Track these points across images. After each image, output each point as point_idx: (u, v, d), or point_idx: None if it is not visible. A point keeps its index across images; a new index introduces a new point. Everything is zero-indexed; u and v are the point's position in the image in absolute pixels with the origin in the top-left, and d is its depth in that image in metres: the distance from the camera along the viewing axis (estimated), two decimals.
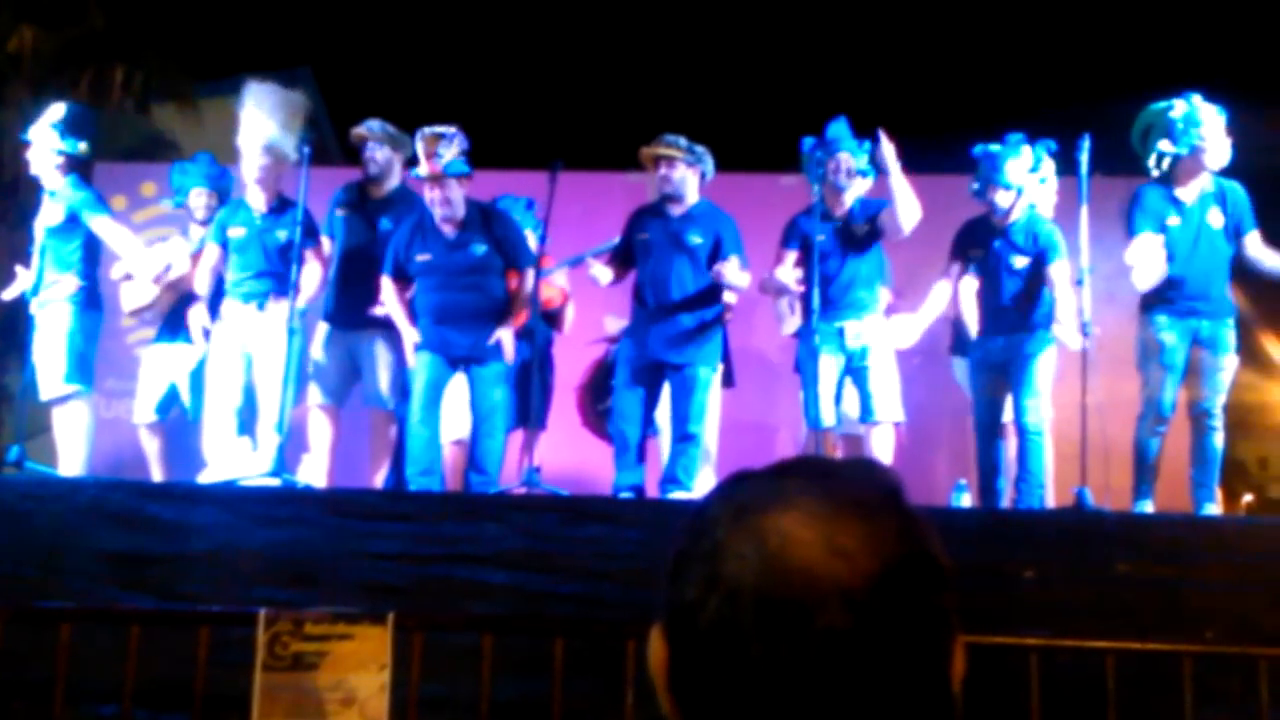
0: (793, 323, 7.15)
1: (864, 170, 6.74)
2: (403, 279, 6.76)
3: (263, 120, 6.82)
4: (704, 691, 1.03)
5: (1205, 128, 6.39)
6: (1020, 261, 6.65)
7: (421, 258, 6.66)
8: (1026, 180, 6.68)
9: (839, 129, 6.78)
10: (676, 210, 6.77)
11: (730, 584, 1.01)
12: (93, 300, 6.95)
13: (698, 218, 6.79)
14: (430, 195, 6.67)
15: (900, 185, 6.51)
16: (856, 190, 6.78)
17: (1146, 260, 6.34)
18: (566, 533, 5.12)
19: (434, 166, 6.60)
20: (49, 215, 6.88)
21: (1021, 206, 6.70)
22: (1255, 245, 6.46)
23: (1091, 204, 6.43)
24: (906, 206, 6.54)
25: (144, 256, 7.22)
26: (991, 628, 3.91)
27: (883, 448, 6.60)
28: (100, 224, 6.88)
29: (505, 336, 6.60)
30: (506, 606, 4.83)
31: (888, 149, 6.47)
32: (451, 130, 6.68)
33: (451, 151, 6.62)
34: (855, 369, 6.68)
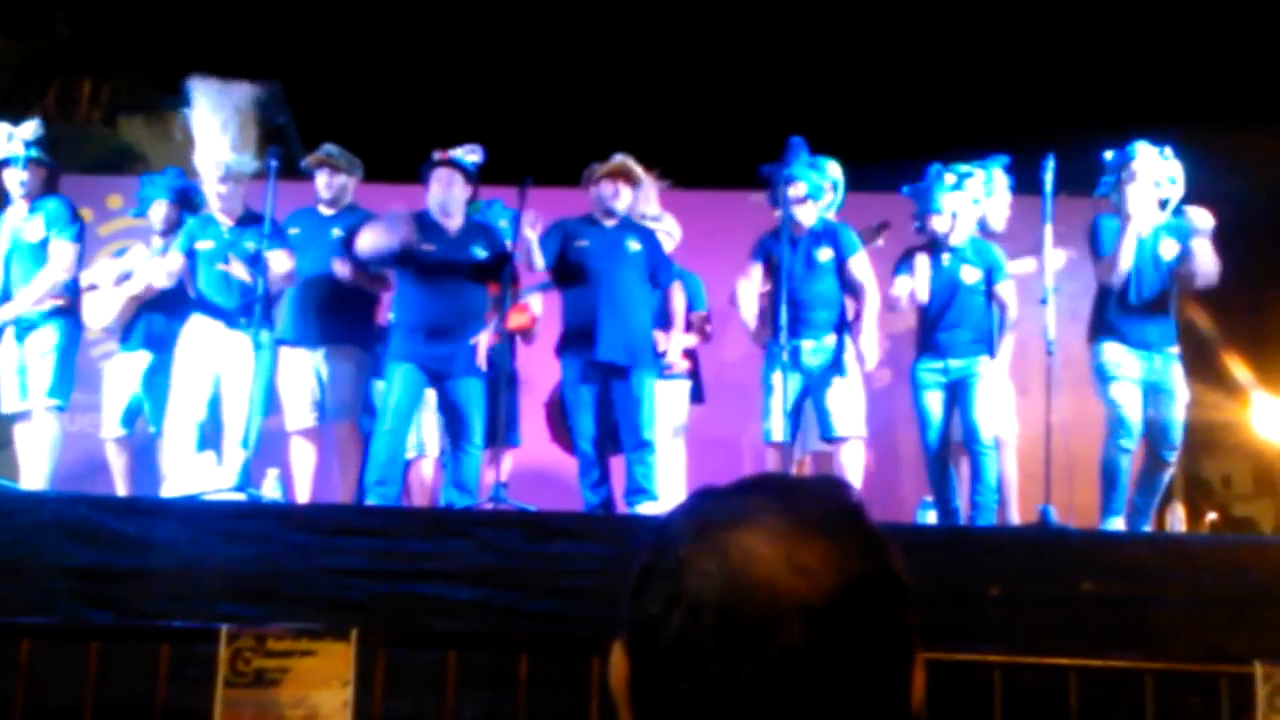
0: (764, 333, 7.18)
1: (812, 194, 6.81)
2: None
3: (214, 139, 6.79)
4: (665, 707, 1.03)
5: (1136, 162, 6.47)
6: (972, 277, 6.75)
7: (427, 247, 6.64)
8: (960, 205, 6.79)
9: (793, 152, 6.84)
10: (610, 222, 6.89)
11: (692, 600, 1.01)
12: (77, 315, 6.93)
13: (632, 227, 6.96)
14: (434, 188, 6.71)
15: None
16: (811, 212, 6.83)
17: (1110, 279, 6.43)
18: (532, 548, 5.10)
19: (445, 154, 6.69)
20: (29, 231, 6.80)
21: (962, 230, 6.81)
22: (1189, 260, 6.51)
23: (1056, 223, 6.48)
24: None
25: (105, 268, 7.18)
26: (956, 645, 3.92)
27: (852, 464, 6.62)
28: (60, 250, 6.78)
29: (483, 341, 6.58)
30: (472, 623, 4.80)
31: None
32: (474, 146, 6.80)
33: (471, 156, 6.76)
34: (813, 387, 6.71)
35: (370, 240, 6.59)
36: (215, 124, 6.81)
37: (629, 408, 6.59)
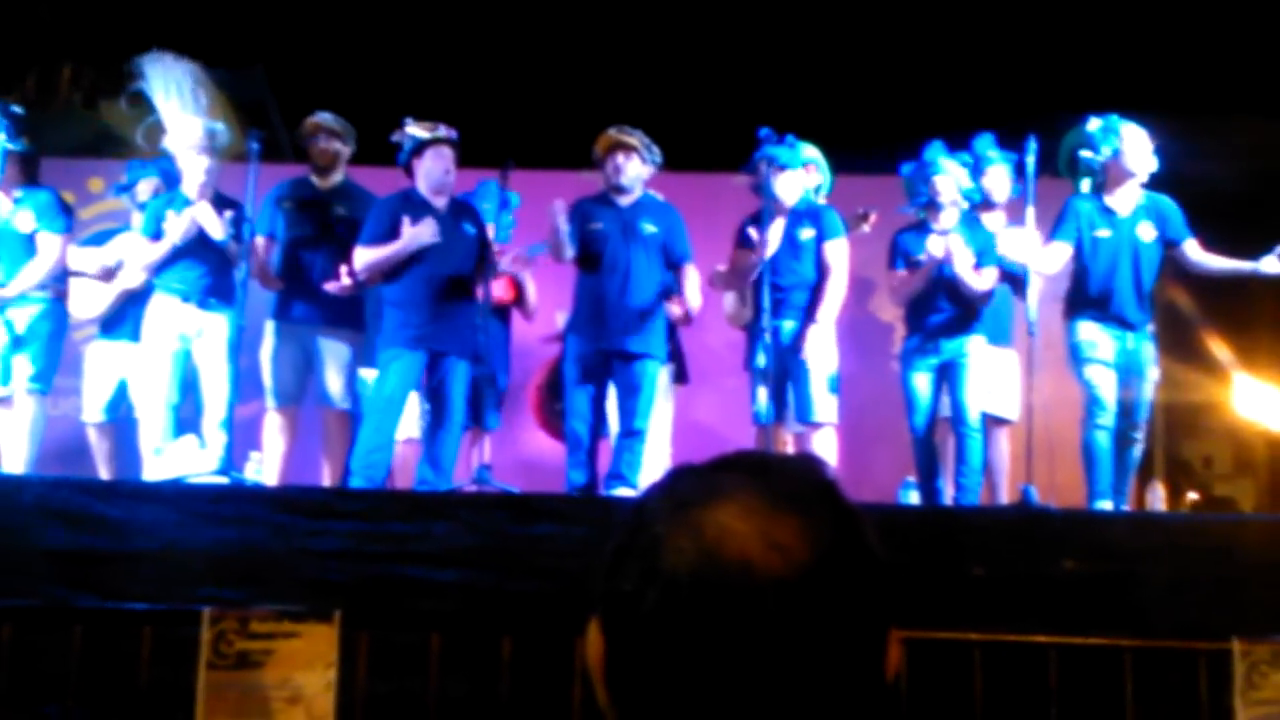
0: (744, 314, 7.17)
1: (788, 163, 6.77)
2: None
3: (181, 114, 6.73)
4: (640, 684, 1.03)
5: (1124, 133, 6.50)
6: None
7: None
8: (959, 179, 6.80)
9: (769, 137, 6.79)
10: (626, 200, 6.76)
11: (668, 576, 1.02)
12: (64, 303, 6.91)
13: (649, 207, 6.80)
14: (432, 162, 6.59)
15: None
16: (792, 187, 6.78)
17: (1048, 264, 6.48)
18: (516, 530, 5.11)
19: (439, 129, 6.61)
20: (19, 221, 6.77)
21: (953, 211, 6.81)
22: (1195, 251, 6.54)
23: (1039, 205, 6.49)
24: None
25: (90, 256, 7.13)
26: (938, 624, 3.94)
27: (824, 450, 6.61)
28: (48, 243, 6.76)
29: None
30: (455, 605, 4.81)
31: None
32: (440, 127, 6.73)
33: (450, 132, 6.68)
34: (794, 369, 6.69)
35: (372, 261, 6.51)
36: (176, 98, 6.75)
37: (630, 394, 6.54)
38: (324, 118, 7.05)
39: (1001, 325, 7.03)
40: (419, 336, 6.43)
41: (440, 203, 6.61)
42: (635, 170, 6.73)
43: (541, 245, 7.06)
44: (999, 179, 7.09)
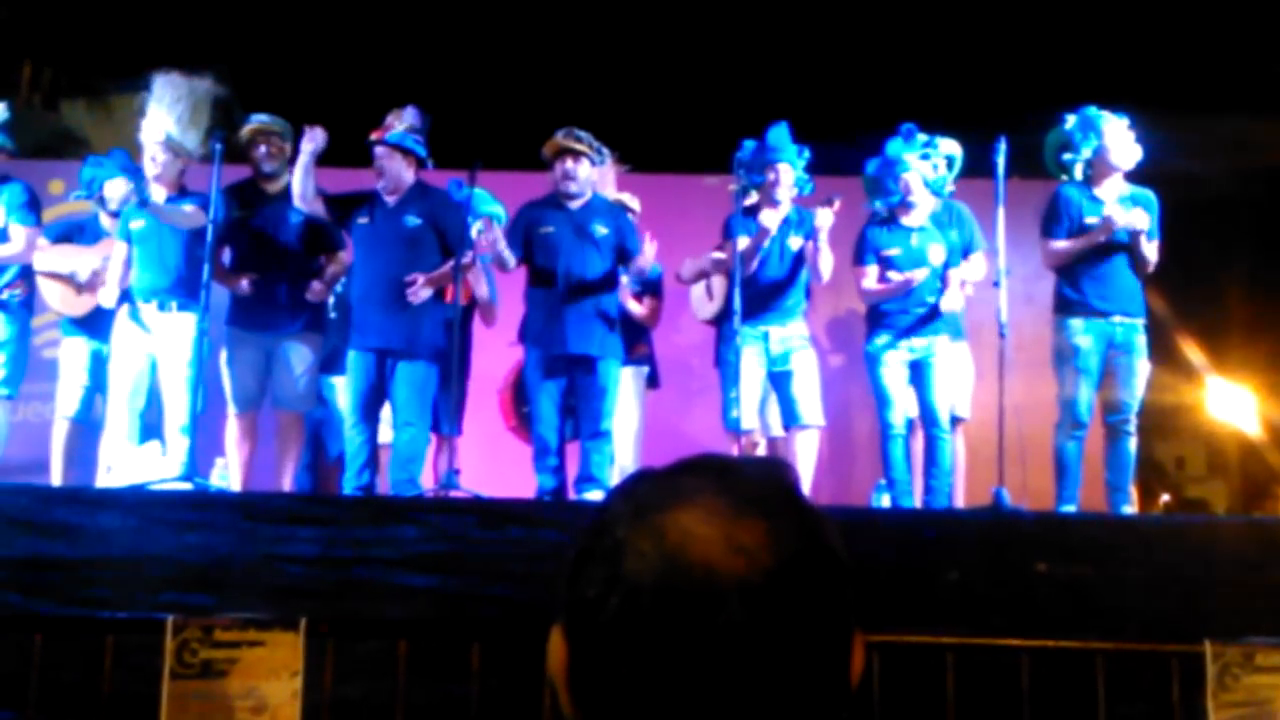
0: (709, 308, 7.13)
1: (800, 183, 6.78)
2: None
3: (162, 115, 6.68)
4: (604, 690, 1.03)
5: (1104, 129, 6.50)
6: (938, 258, 6.74)
7: (361, 220, 6.55)
8: (925, 173, 6.79)
9: (780, 136, 6.78)
10: (576, 204, 6.74)
11: (631, 581, 1.01)
12: (31, 304, 6.83)
13: (599, 209, 6.80)
14: (376, 166, 6.58)
15: (824, 250, 6.64)
16: (789, 201, 6.80)
17: (1064, 259, 6.46)
18: (484, 535, 5.06)
19: (379, 133, 6.56)
20: None
21: (924, 206, 6.80)
22: (1151, 252, 6.56)
23: (1008, 206, 6.49)
24: (827, 264, 6.69)
25: (78, 259, 7.04)
26: (909, 627, 3.92)
27: (806, 452, 6.61)
28: (16, 234, 6.69)
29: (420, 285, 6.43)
30: (423, 611, 4.76)
31: (824, 218, 6.54)
32: (408, 108, 6.62)
33: (402, 125, 6.56)
34: (778, 374, 6.69)
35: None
36: (167, 101, 6.70)
37: (592, 397, 6.52)
38: (261, 120, 6.96)
39: (957, 320, 7.01)
40: (365, 335, 6.46)
41: (392, 199, 6.56)
42: (585, 173, 6.74)
43: (487, 256, 7.05)
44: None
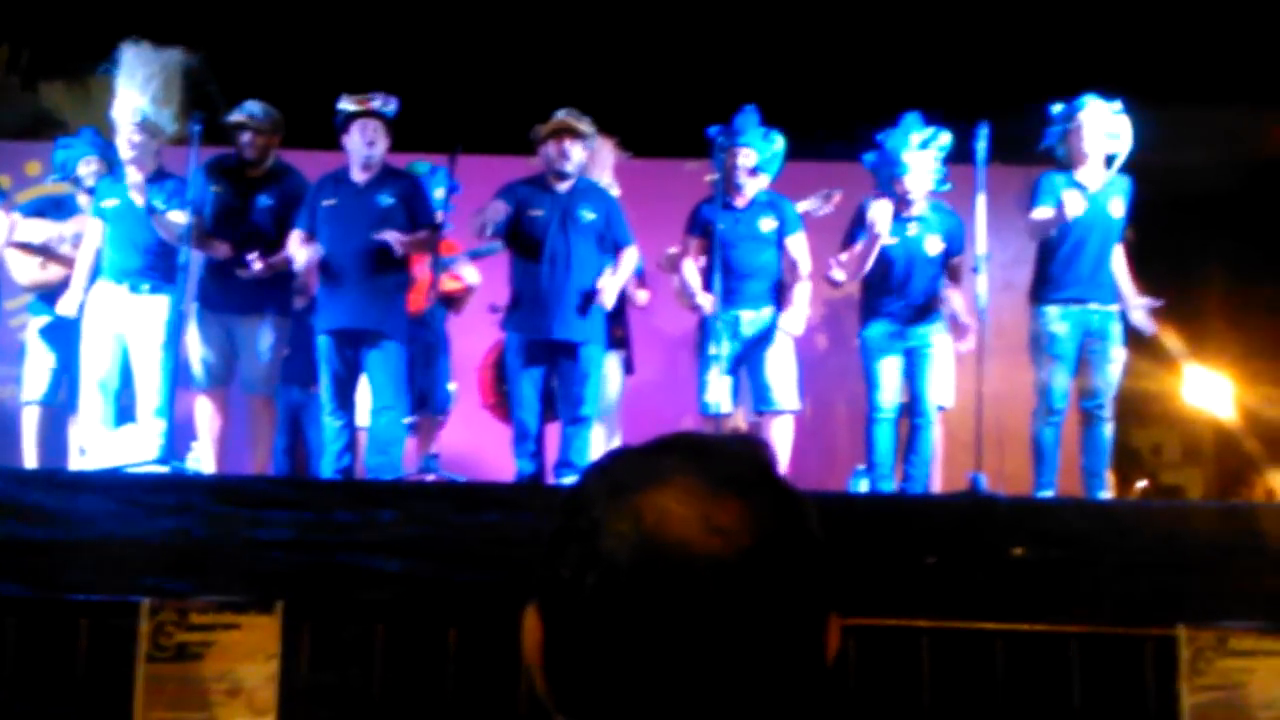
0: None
1: (762, 166, 6.74)
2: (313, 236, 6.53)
3: (133, 93, 6.60)
4: (579, 670, 1.02)
5: (1080, 117, 6.49)
6: (935, 248, 6.73)
7: (327, 203, 6.48)
8: (926, 164, 6.75)
9: (746, 120, 6.75)
10: (563, 186, 6.65)
11: (607, 561, 1.01)
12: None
13: (587, 193, 6.69)
14: (357, 136, 6.49)
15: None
16: (756, 185, 6.77)
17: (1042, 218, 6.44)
18: (462, 519, 5.05)
19: (366, 102, 6.49)
20: None
21: (922, 193, 6.77)
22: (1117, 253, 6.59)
23: (989, 192, 6.48)
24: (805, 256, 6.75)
25: (52, 230, 6.99)
26: (886, 611, 3.93)
27: (781, 437, 6.60)
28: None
29: (396, 242, 6.33)
30: (400, 595, 4.75)
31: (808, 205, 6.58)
32: (375, 94, 6.59)
33: (385, 104, 6.54)
34: (750, 358, 6.68)
35: (277, 258, 6.48)
36: (139, 78, 6.62)
37: (574, 382, 6.48)
38: (250, 112, 6.85)
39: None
40: (336, 316, 6.41)
41: (363, 178, 6.52)
42: (579, 156, 6.65)
43: (488, 249, 7.01)
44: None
